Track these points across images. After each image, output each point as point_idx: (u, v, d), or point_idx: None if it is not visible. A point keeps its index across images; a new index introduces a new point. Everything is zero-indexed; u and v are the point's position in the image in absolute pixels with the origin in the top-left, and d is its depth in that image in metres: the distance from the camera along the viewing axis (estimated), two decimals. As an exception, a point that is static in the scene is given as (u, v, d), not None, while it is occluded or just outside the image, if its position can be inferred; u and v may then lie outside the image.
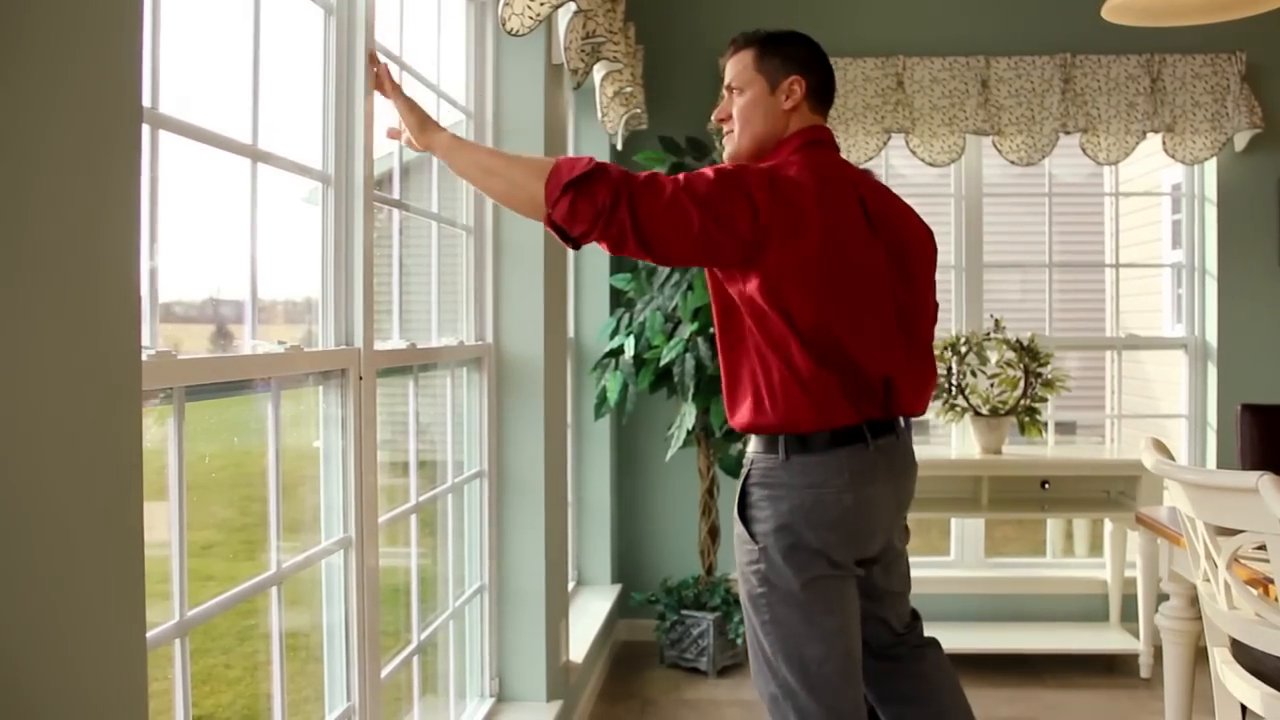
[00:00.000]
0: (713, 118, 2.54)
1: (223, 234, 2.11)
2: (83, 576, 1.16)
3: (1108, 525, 5.02)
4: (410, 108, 2.38)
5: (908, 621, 2.56)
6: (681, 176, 2.18)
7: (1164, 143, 4.91)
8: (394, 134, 2.47)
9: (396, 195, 2.74)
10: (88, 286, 1.17)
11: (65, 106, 1.13)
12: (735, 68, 2.43)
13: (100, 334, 1.19)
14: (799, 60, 2.40)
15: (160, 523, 1.64)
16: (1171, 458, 2.60)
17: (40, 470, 1.09)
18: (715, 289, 2.34)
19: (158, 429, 1.69)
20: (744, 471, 2.32)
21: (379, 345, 2.40)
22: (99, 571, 1.19)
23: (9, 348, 1.05)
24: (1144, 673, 4.58)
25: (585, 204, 2.12)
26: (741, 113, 2.40)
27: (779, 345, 2.21)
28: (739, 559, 2.32)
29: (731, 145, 2.43)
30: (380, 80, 2.35)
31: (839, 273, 2.21)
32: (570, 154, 4.50)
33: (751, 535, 2.26)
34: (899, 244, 2.36)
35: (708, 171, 2.20)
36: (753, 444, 2.32)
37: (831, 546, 2.24)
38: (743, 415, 2.30)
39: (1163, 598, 3.39)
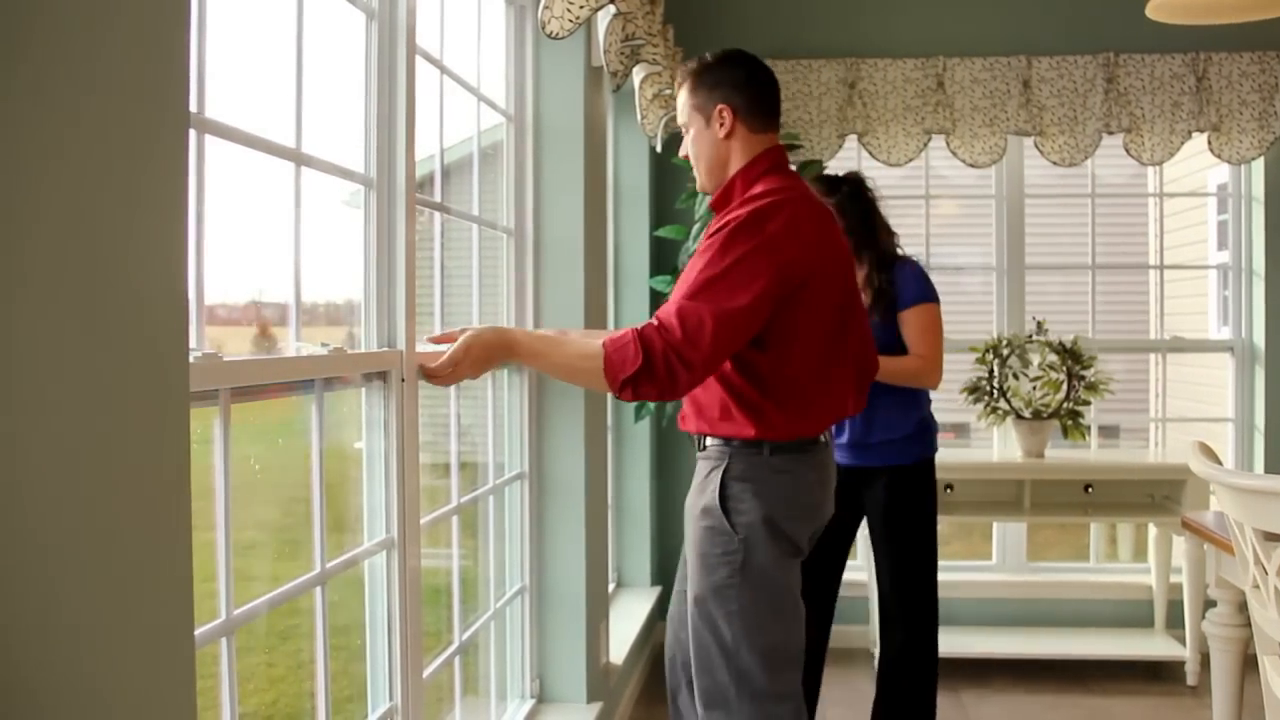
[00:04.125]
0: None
1: (265, 236, 2.13)
2: (132, 576, 1.17)
3: (1152, 530, 4.96)
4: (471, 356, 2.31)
5: None
6: (709, 321, 2.19)
7: (1209, 142, 4.85)
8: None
9: (438, 198, 2.75)
10: (137, 290, 1.18)
11: (115, 113, 1.14)
12: (679, 107, 2.51)
13: (149, 336, 1.21)
14: (726, 84, 2.42)
15: (205, 522, 1.66)
16: (1218, 462, 2.57)
17: (92, 471, 1.11)
18: None
19: (203, 430, 1.70)
20: (721, 465, 2.36)
21: (421, 348, 2.41)
22: (148, 571, 1.20)
23: (61, 350, 1.06)
24: (1190, 680, 4.52)
25: (648, 389, 2.21)
26: (691, 151, 2.50)
27: (754, 374, 2.34)
28: (704, 548, 2.36)
29: (698, 182, 2.52)
30: (433, 372, 2.31)
31: (817, 319, 2.35)
32: (610, 160, 4.50)
33: (732, 526, 2.33)
34: (847, 262, 2.47)
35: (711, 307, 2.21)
36: (725, 439, 2.38)
37: (800, 535, 2.39)
38: (711, 424, 2.40)
39: (1209, 604, 3.35)
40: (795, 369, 2.33)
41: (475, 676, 3.13)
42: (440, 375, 2.30)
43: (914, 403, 3.44)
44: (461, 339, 2.28)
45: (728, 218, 2.30)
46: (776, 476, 2.35)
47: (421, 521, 2.42)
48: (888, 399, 3.31)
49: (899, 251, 3.52)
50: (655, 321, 2.21)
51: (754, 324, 2.24)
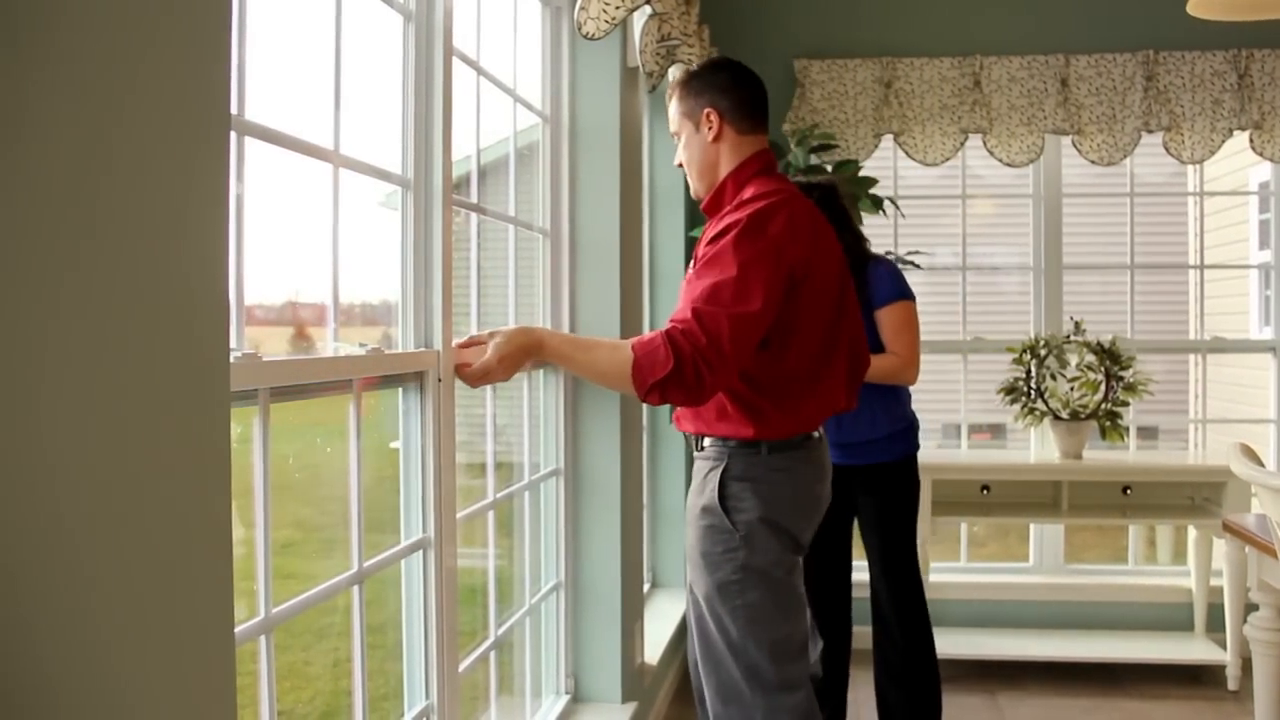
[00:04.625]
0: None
1: (303, 237, 2.14)
2: (174, 573, 1.19)
3: (1192, 532, 4.90)
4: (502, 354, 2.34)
5: None
6: (726, 326, 2.21)
7: (1251, 140, 4.79)
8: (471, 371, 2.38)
9: (474, 199, 2.77)
10: (180, 290, 1.19)
11: (159, 117, 1.15)
12: (670, 119, 2.57)
13: (192, 337, 1.22)
14: (712, 89, 2.48)
15: (244, 521, 1.67)
16: (1260, 464, 2.54)
17: (135, 471, 1.12)
18: None
19: (243, 430, 1.72)
20: (720, 465, 2.40)
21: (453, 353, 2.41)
22: (190, 569, 1.22)
23: (106, 351, 1.07)
24: (1232, 685, 4.46)
25: (675, 393, 2.23)
26: (684, 157, 2.55)
27: (751, 373, 2.35)
28: (706, 547, 2.40)
29: (692, 188, 2.57)
30: (466, 375, 2.35)
31: (812, 316, 2.38)
32: (645, 161, 4.50)
33: (733, 524, 2.36)
34: (839, 259, 2.50)
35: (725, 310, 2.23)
36: (723, 439, 2.41)
37: (801, 531, 2.44)
38: (709, 424, 2.42)
39: (1251, 608, 3.31)
40: (792, 366, 2.36)
41: (510, 675, 3.14)
42: (473, 378, 2.34)
43: (896, 401, 3.54)
44: (493, 344, 2.32)
45: (728, 221, 2.33)
46: (775, 475, 2.39)
47: (457, 517, 2.43)
48: (871, 398, 3.36)
49: (871, 252, 3.61)
50: (679, 326, 2.22)
51: (765, 326, 2.27)
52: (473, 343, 2.39)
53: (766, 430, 2.37)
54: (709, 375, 2.20)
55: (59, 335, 1.02)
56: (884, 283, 3.48)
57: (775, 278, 2.26)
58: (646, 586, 4.73)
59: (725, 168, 2.48)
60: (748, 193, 2.40)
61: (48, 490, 1.00)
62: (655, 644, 4.04)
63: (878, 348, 3.44)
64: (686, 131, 2.52)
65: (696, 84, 2.50)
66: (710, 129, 2.46)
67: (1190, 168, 5.22)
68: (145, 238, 1.14)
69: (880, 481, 3.53)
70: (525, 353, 2.35)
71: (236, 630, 1.38)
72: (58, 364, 1.01)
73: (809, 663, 2.46)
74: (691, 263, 2.46)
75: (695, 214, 4.99)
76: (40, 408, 1.00)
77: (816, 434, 2.48)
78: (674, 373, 2.19)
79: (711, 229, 2.38)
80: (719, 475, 2.39)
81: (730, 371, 2.25)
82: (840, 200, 3.50)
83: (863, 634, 3.90)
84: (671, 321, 2.25)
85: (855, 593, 3.72)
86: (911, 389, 3.60)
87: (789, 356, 2.35)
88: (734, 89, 2.48)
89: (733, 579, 2.37)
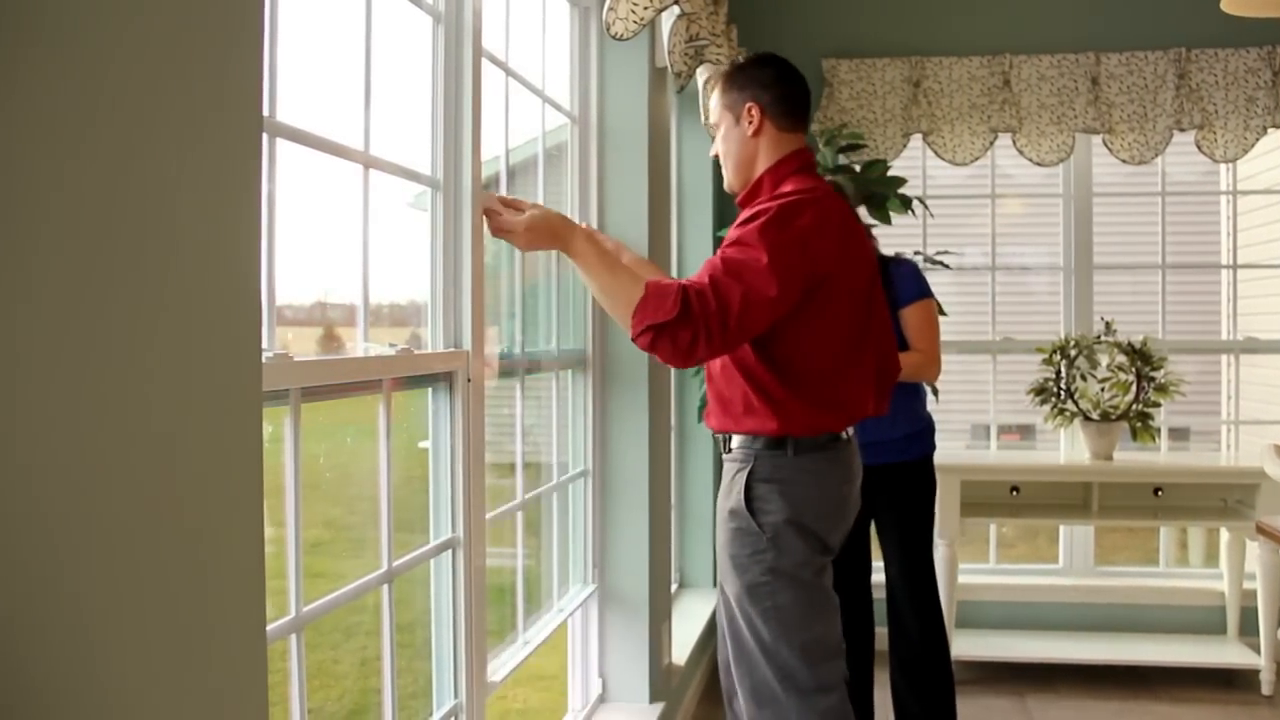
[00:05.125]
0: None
1: (332, 237, 2.15)
2: (207, 572, 1.19)
3: (1224, 535, 4.85)
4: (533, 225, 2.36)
5: None
6: (738, 302, 2.19)
7: (1285, 139, 4.74)
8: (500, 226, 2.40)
9: (503, 199, 2.77)
10: (213, 291, 1.20)
11: (193, 119, 1.16)
12: (710, 110, 2.56)
13: (224, 337, 1.23)
14: (756, 83, 2.46)
15: (274, 520, 1.68)
16: (1296, 465, 2.51)
17: (170, 470, 1.13)
18: None
19: (274, 429, 1.73)
20: (746, 467, 2.38)
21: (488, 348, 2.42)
22: (222, 567, 1.22)
23: (140, 351, 1.08)
24: (1265, 689, 4.42)
25: (665, 344, 2.20)
26: (721, 149, 2.53)
27: (776, 364, 2.35)
28: (734, 550, 2.39)
29: (726, 181, 2.56)
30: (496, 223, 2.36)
31: (838, 312, 2.36)
32: (673, 161, 4.50)
33: (759, 526, 2.35)
34: (870, 264, 2.48)
35: (755, 285, 2.21)
36: (750, 440, 2.39)
37: (828, 533, 2.42)
38: (735, 420, 2.41)
39: (1285, 610, 3.28)
40: (816, 362, 2.35)
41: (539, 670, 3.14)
42: (494, 228, 2.36)
43: (915, 402, 3.59)
44: (529, 213, 2.34)
45: (758, 208, 2.33)
46: (802, 476, 2.37)
47: (486, 517, 2.43)
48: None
49: (883, 253, 3.65)
50: (695, 286, 2.20)
51: (777, 314, 2.25)
52: (513, 204, 2.39)
53: (791, 425, 2.35)
54: (704, 343, 2.18)
55: (98, 337, 1.02)
56: (908, 281, 3.52)
57: (797, 269, 2.24)
58: (674, 587, 4.73)
59: (763, 164, 2.46)
60: (784, 188, 2.39)
61: (86, 489, 1.01)
62: (683, 644, 4.04)
63: (902, 345, 3.45)
64: (726, 123, 2.50)
65: (740, 77, 2.49)
66: (750, 123, 2.45)
67: (1223, 166, 5.17)
68: (181, 239, 1.14)
69: (898, 481, 3.55)
70: (554, 236, 2.34)
71: (268, 628, 1.39)
72: (97, 365, 1.02)
73: (843, 664, 2.44)
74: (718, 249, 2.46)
75: (724, 214, 4.98)
76: (80, 408, 1.00)
77: (845, 436, 2.47)
78: (672, 324, 2.17)
79: (742, 218, 2.37)
80: (745, 477, 2.38)
81: (728, 345, 2.23)
82: (848, 201, 3.51)
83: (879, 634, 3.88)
84: (689, 281, 2.22)
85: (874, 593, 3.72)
86: (939, 388, 3.58)
87: (812, 353, 2.34)
88: (778, 85, 2.46)
89: (761, 581, 2.36)
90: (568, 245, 2.34)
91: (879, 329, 2.50)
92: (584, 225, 2.61)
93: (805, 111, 2.51)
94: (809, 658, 2.36)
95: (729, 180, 2.55)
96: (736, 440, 2.42)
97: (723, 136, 2.52)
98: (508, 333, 2.91)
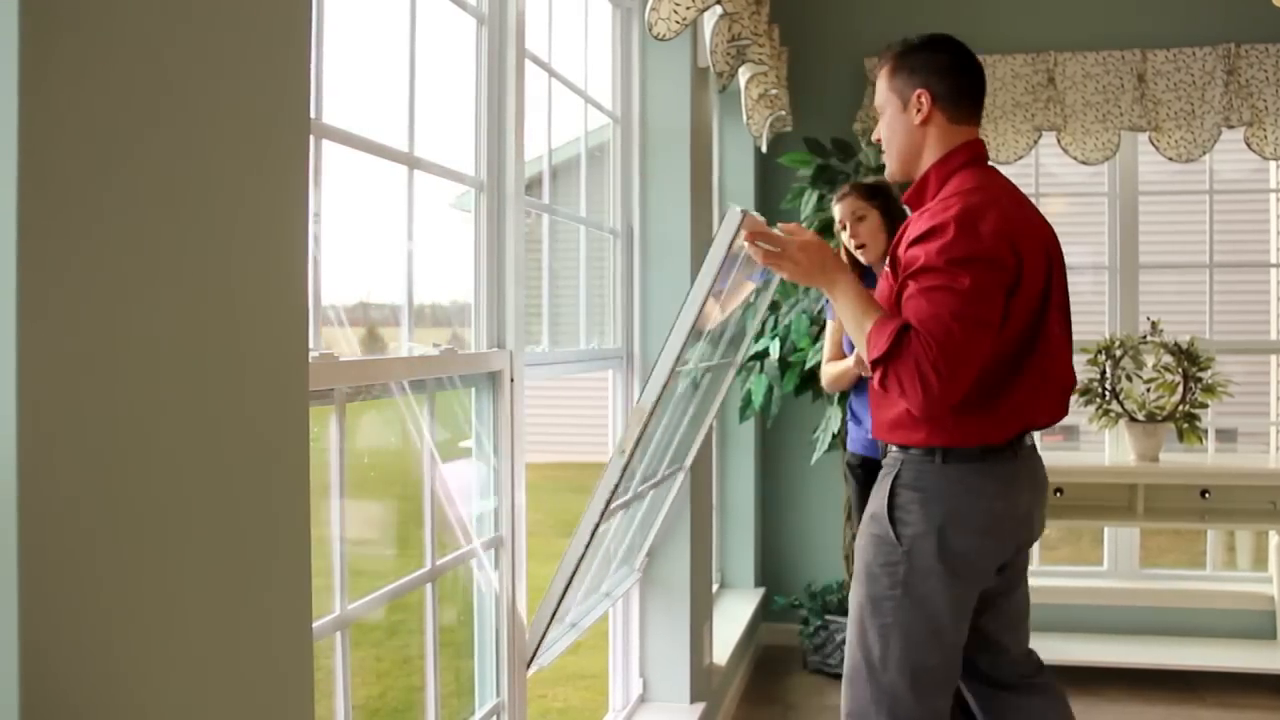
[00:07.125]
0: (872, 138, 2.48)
1: (376, 238, 2.17)
2: (255, 569, 1.21)
3: (1273, 538, 4.79)
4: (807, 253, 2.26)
5: (1025, 649, 2.54)
6: (959, 334, 2.06)
7: (1337, 136, 4.67)
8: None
9: (546, 199, 2.78)
10: (261, 292, 1.21)
11: (242, 123, 1.18)
12: (877, 89, 2.38)
13: (272, 337, 1.24)
14: (928, 69, 2.29)
15: (319, 518, 1.70)
16: (1348, 468, 2.47)
17: (219, 469, 1.14)
18: (890, 306, 2.25)
19: (319, 428, 1.74)
20: (893, 471, 2.26)
21: (528, 348, 2.43)
22: (270, 565, 1.24)
23: (190, 351, 1.10)
24: (1314, 694, 4.36)
25: (893, 381, 2.09)
26: (884, 135, 2.37)
27: None
28: (869, 557, 2.26)
29: (887, 168, 2.40)
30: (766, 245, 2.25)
31: (1012, 315, 2.18)
32: (715, 161, 4.50)
33: (897, 536, 2.21)
34: (1050, 266, 2.29)
35: (950, 306, 2.07)
36: (902, 447, 2.27)
37: (978, 553, 2.23)
38: (889, 429, 2.28)
39: (1336, 615, 3.23)
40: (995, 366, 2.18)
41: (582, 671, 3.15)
42: (766, 254, 2.24)
43: None
44: (807, 235, 2.25)
45: (936, 222, 2.13)
46: (949, 487, 2.20)
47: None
48: None
49: None
50: (914, 326, 2.08)
51: (995, 336, 2.12)
52: (769, 236, 2.24)
53: (942, 436, 2.19)
54: (936, 381, 2.03)
55: (142, 336, 1.04)
56: None
57: (997, 286, 2.10)
58: (715, 587, 4.72)
59: (930, 157, 2.29)
60: (951, 188, 2.23)
61: (139, 488, 1.03)
62: (724, 644, 4.04)
63: None
64: (892, 108, 2.32)
65: (912, 60, 2.31)
66: (920, 112, 2.28)
67: (1272, 163, 5.10)
68: (231, 241, 1.16)
69: None
70: (823, 271, 2.24)
71: (314, 625, 1.40)
72: (148, 366, 1.04)
73: (950, 699, 2.28)
74: (886, 259, 2.33)
75: (766, 214, 4.95)
76: (132, 408, 1.02)
77: (1011, 449, 2.26)
78: (887, 357, 2.06)
79: (914, 227, 2.19)
80: (890, 482, 2.25)
81: (964, 380, 2.08)
82: (897, 199, 3.46)
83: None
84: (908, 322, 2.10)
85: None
86: None
87: None
88: (952, 73, 2.29)
89: (887, 594, 2.22)
90: (833, 281, 2.23)
91: (1055, 330, 2.29)
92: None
93: (979, 103, 2.33)
94: (917, 686, 2.21)
95: (889, 168, 2.38)
96: (892, 446, 2.30)
97: (887, 122, 2.34)
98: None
